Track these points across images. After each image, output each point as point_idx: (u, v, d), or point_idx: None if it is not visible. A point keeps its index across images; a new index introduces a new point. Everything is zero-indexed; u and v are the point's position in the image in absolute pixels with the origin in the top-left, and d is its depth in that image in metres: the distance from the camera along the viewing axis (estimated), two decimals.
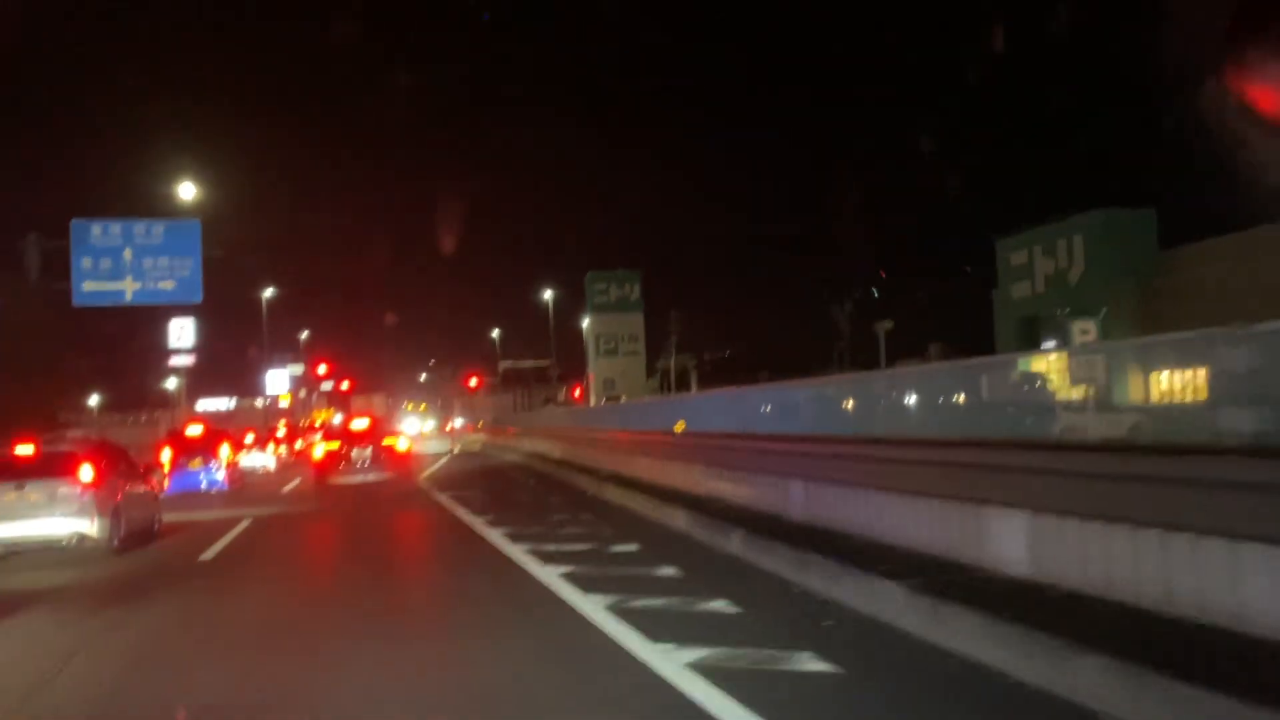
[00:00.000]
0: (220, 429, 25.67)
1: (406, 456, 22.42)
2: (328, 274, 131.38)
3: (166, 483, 23.47)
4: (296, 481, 28.04)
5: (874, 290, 75.44)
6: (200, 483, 23.57)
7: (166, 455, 23.61)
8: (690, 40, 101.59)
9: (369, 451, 21.02)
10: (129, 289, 25.59)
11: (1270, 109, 13.31)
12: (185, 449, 23.72)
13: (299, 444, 40.04)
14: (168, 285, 25.87)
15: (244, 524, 16.46)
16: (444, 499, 19.29)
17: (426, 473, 28.11)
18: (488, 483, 23.61)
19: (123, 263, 25.56)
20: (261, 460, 32.29)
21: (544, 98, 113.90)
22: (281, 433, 40.09)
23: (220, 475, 23.60)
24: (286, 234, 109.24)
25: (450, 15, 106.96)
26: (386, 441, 21.80)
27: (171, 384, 58.61)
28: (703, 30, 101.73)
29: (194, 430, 24.48)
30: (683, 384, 75.47)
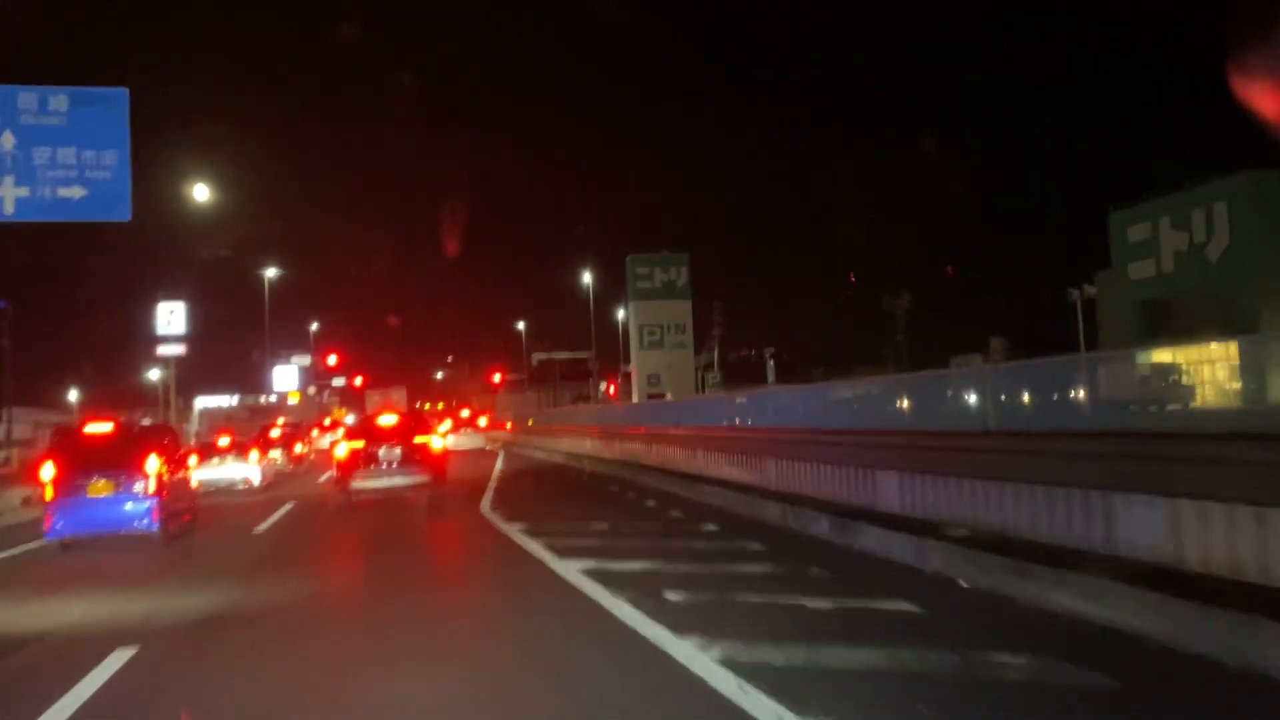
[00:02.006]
0: (153, 427, 14.70)
1: (443, 457, 17.30)
2: (339, 271, 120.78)
3: (48, 522, 12.84)
4: (287, 508, 17.39)
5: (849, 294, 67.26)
6: (113, 519, 12.90)
7: (48, 473, 12.91)
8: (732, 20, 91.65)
9: (398, 451, 16.25)
10: (9, 196, 14.88)
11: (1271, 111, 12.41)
12: (84, 461, 13.04)
13: (300, 447, 29.19)
14: (75, 193, 15.15)
15: (92, 682, 5.78)
16: (572, 574, 8.57)
17: (486, 497, 17.38)
18: (605, 515, 12.86)
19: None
20: (242, 472, 21.61)
21: (572, 81, 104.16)
22: (277, 433, 29.29)
23: (146, 506, 12.89)
24: (295, 230, 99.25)
25: None
26: (419, 439, 16.71)
27: (155, 375, 48.16)
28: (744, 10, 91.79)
29: (97, 429, 13.65)
30: (730, 380, 65.48)
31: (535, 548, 10.25)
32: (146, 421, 32.26)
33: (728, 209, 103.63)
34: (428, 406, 77.96)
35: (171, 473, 13.94)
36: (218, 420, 48.95)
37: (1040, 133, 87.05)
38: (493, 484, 20.33)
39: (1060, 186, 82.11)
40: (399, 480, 16.12)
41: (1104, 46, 76.39)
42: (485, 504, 15.83)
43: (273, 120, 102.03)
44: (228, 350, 65.39)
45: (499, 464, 28.28)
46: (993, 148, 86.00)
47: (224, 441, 22.35)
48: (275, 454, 28.18)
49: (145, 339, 47.30)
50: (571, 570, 8.72)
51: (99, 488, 12.95)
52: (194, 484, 21.23)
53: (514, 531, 11.75)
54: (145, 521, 12.99)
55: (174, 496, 13.85)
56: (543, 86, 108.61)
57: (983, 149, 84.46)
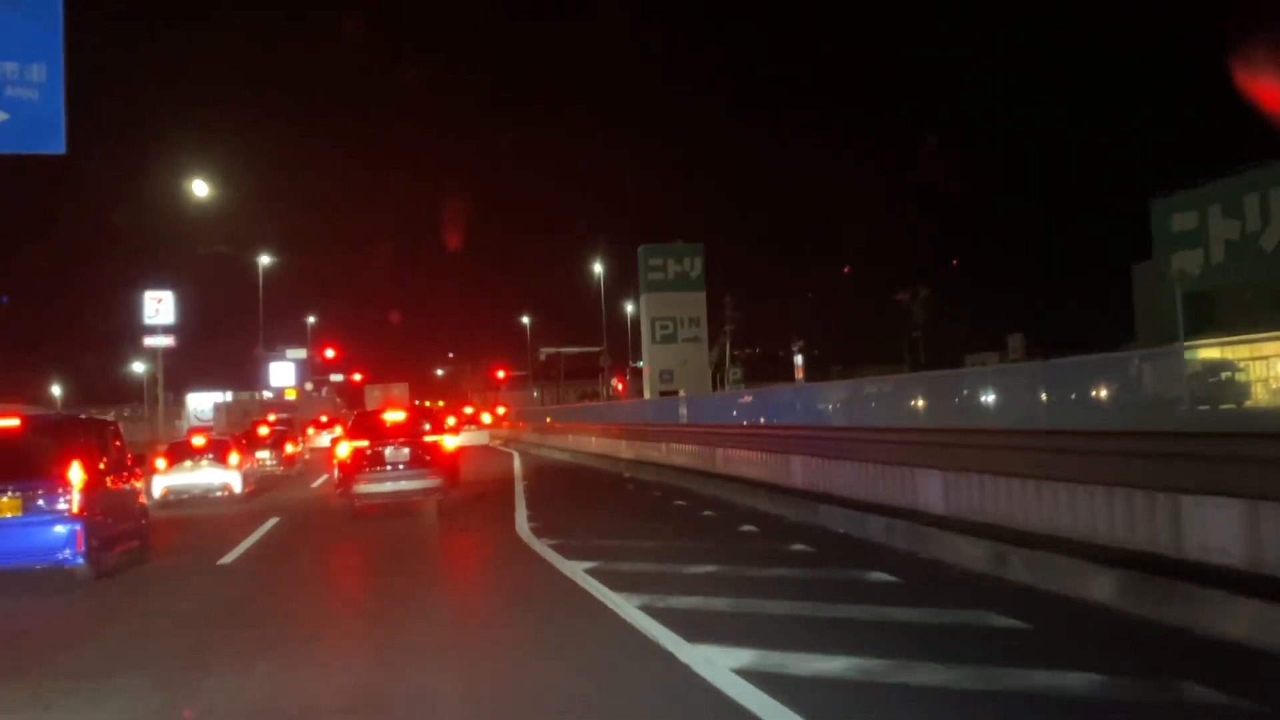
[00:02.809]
0: (84, 422, 10.80)
1: (455, 457, 14.83)
2: (338, 267, 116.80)
3: None
4: (270, 525, 13.68)
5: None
6: (22, 549, 9.15)
7: None
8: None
9: (406, 451, 13.91)
10: None
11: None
12: None
13: (292, 447, 25.36)
14: None
15: None
16: (732, 682, 4.84)
17: (519, 512, 13.66)
18: (698, 548, 9.10)
19: None
20: (220, 477, 17.81)
21: (578, 74, 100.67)
22: (265, 430, 25.42)
23: (67, 532, 9.14)
24: (294, 225, 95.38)
25: None
26: (429, 438, 14.35)
27: (140, 368, 44.21)
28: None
29: None
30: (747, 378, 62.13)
31: (634, 614, 6.50)
32: (129, 416, 28.46)
33: (737, 203, 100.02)
34: (428, 403, 74.31)
35: (108, 483, 10.22)
36: (235, 414, 45.47)
37: (1053, 128, 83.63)
38: (520, 492, 16.63)
39: (1070, 186, 78.69)
40: (407, 484, 13.88)
41: (1124, 37, 72.96)
42: (521, 522, 12.11)
43: (273, 113, 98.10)
44: (226, 346, 61.77)
45: (517, 465, 24.59)
46: (1007, 143, 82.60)
47: (199, 441, 18.52)
48: (264, 454, 24.48)
49: (135, 331, 43.77)
50: (722, 671, 5.00)
51: (1, 506, 9.20)
52: (160, 492, 17.66)
53: (583, 576, 8.02)
54: (66, 552, 9.25)
55: (111, 515, 10.12)
56: (548, 79, 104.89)
57: (996, 144, 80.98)
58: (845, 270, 71.41)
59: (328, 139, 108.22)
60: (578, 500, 15.47)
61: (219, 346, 63.06)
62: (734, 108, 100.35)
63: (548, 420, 32.95)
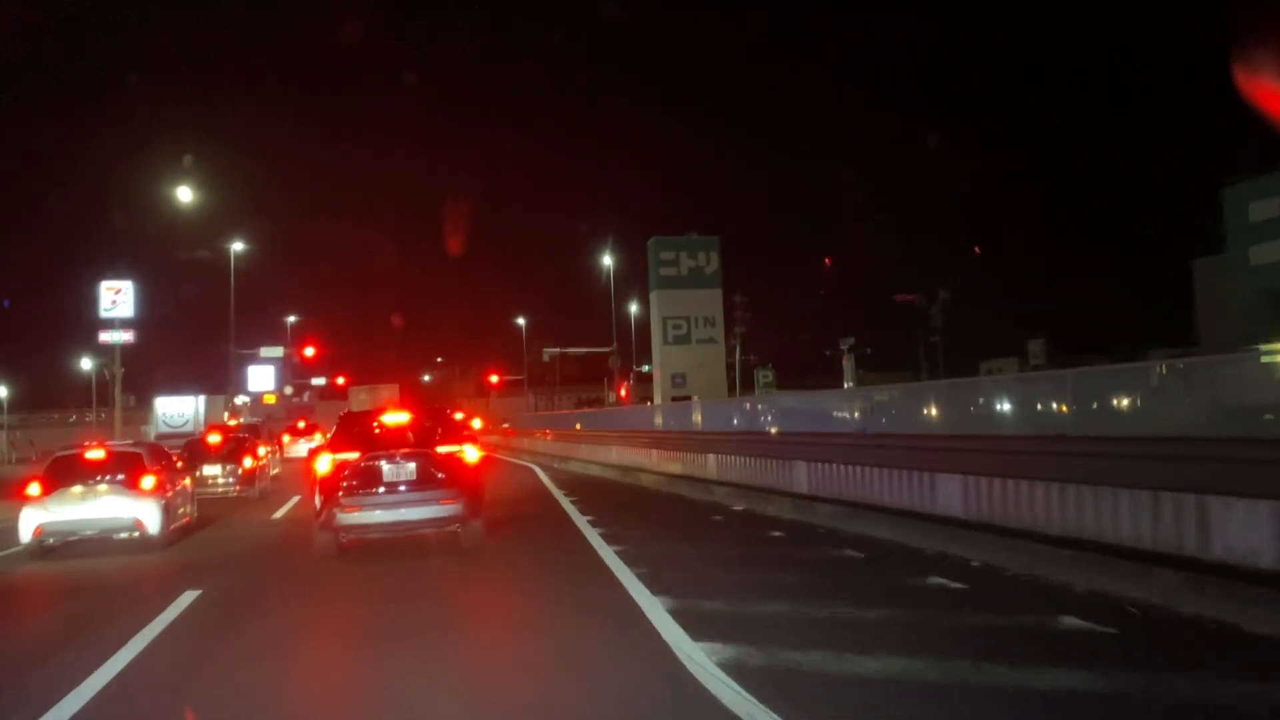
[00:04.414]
0: None
1: (477, 473, 10.35)
2: (328, 270, 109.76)
3: None
4: (173, 613, 7.10)
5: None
6: None
7: None
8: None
9: (412, 466, 9.88)
10: None
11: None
12: None
13: (253, 461, 18.72)
14: None
15: None
16: None
17: (634, 589, 7.16)
18: None
19: None
20: (127, 510, 11.17)
21: (579, 71, 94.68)
22: (216, 439, 18.76)
23: None
24: (283, 225, 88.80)
25: None
26: (444, 448, 10.10)
27: (88, 365, 37.48)
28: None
29: None
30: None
31: None
32: None
33: (741, 203, 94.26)
34: None
35: None
36: (260, 413, 39.32)
37: (1074, 126, 78.53)
38: (591, 534, 10.29)
39: (1081, 187, 73.52)
40: (413, 512, 9.86)
41: (1140, 33, 67.93)
42: (666, 626, 5.71)
43: (266, 112, 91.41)
44: (216, 351, 55.49)
45: (548, 483, 18.28)
46: (1023, 142, 77.46)
47: (96, 454, 11.84)
48: (214, 470, 17.93)
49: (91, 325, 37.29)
50: None
51: None
52: (31, 533, 10.96)
53: None
54: None
55: None
56: (547, 77, 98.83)
57: (1012, 143, 75.70)
58: (827, 261, 66.27)
59: (318, 135, 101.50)
60: (705, 554, 8.93)
61: (205, 350, 56.58)
62: (739, 106, 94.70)
63: (577, 427, 26.47)
